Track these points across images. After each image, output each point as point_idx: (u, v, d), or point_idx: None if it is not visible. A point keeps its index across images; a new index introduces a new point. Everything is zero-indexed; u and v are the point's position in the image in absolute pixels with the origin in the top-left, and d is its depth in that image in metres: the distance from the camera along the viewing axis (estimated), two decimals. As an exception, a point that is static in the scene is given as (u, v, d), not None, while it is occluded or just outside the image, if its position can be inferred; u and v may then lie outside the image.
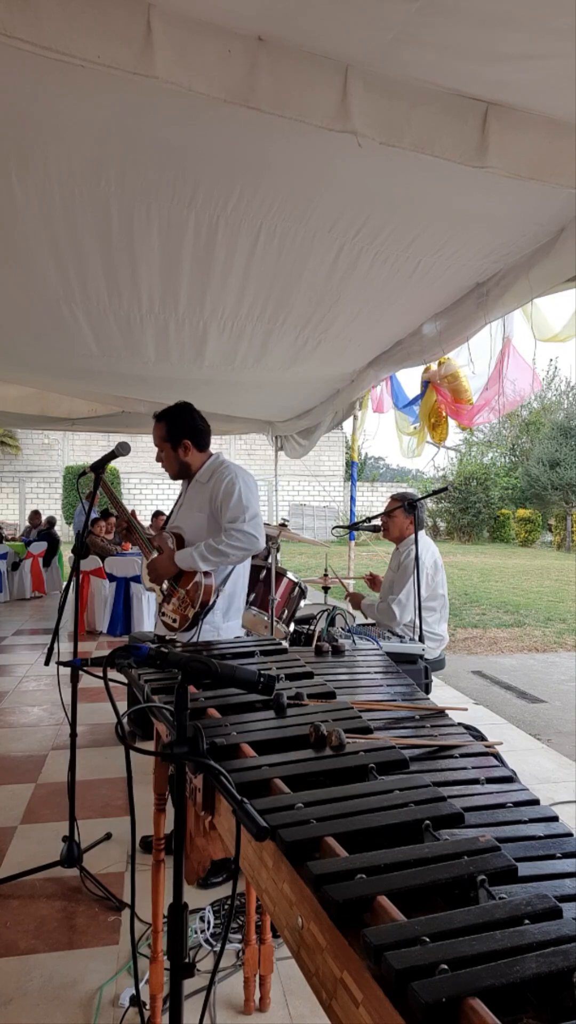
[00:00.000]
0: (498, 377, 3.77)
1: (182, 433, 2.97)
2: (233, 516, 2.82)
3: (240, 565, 3.00)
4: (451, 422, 4.74)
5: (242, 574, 3.07)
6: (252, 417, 8.01)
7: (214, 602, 2.89)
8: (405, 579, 3.70)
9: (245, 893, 2.36)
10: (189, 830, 1.49)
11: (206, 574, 2.86)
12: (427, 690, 2.97)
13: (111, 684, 1.25)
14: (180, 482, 3.14)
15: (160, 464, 3.06)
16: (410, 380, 5.25)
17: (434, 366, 4.61)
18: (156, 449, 3.06)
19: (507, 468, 29.47)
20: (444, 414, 4.71)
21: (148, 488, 22.59)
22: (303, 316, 3.76)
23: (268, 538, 4.43)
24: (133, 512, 3.23)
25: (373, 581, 4.21)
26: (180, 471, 3.03)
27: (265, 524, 4.86)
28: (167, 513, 3.91)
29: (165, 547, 2.94)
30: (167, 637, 2.57)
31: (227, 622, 2.99)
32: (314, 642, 2.28)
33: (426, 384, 4.86)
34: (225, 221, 2.70)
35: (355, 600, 4.12)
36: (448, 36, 1.60)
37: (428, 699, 1.87)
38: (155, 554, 2.96)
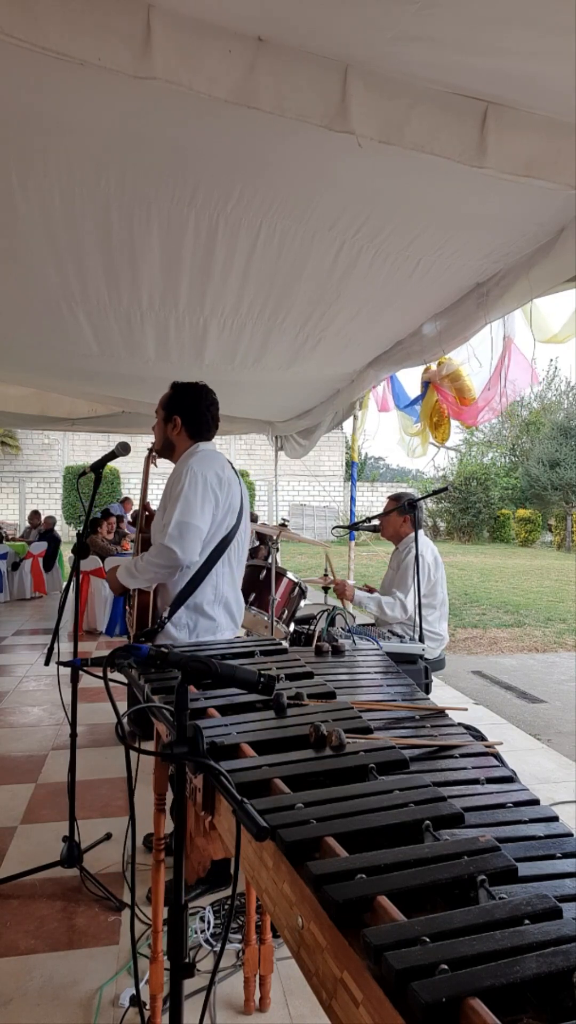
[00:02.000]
0: (499, 377, 3.77)
1: (177, 408, 2.73)
2: (164, 523, 2.53)
3: (213, 575, 2.62)
4: (453, 421, 4.74)
5: (216, 585, 2.64)
6: (252, 417, 8.02)
7: (163, 624, 2.58)
8: (409, 576, 3.70)
9: (245, 893, 2.36)
10: (189, 830, 1.49)
11: (143, 592, 2.62)
12: (427, 690, 2.97)
13: (111, 684, 1.25)
14: None
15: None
16: (410, 380, 5.25)
17: (434, 366, 4.61)
18: (159, 447, 2.87)
19: (507, 468, 29.48)
20: (446, 414, 4.71)
21: (148, 488, 22.60)
22: (303, 314, 3.76)
23: (268, 538, 4.43)
24: (147, 504, 3.19)
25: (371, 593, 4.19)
26: (164, 447, 2.80)
27: (264, 524, 4.85)
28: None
29: (139, 551, 2.74)
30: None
31: (196, 638, 2.61)
32: (314, 642, 2.28)
33: (426, 385, 4.86)
34: (225, 220, 2.70)
35: (342, 589, 3.94)
36: (448, 35, 1.60)
37: (428, 699, 1.87)
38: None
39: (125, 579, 2.62)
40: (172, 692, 1.26)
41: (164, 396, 2.80)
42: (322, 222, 2.69)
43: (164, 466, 3.23)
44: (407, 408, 5.30)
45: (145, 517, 3.04)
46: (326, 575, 4.15)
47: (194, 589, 2.60)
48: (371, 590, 4.16)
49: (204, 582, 2.61)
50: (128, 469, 22.13)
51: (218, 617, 2.67)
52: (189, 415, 2.73)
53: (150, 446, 3.02)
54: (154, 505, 3.20)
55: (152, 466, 3.17)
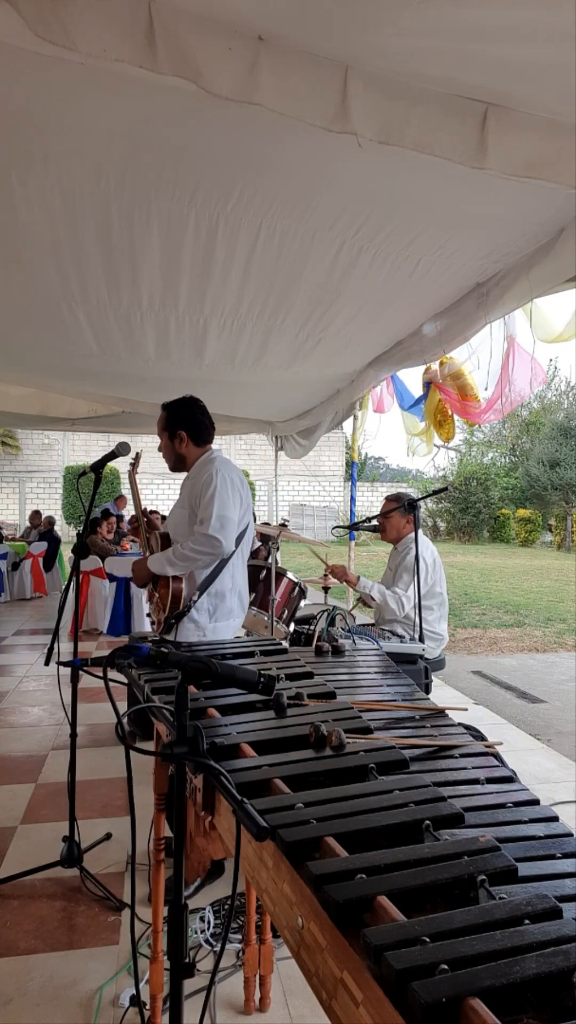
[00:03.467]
0: (504, 376, 3.78)
1: (179, 423, 2.96)
2: (202, 518, 2.76)
3: (230, 566, 2.90)
4: (457, 420, 4.75)
5: (233, 575, 2.93)
6: (252, 417, 8.02)
7: (189, 607, 2.81)
8: (409, 575, 3.69)
9: (245, 893, 2.36)
10: (189, 830, 1.49)
11: (176, 579, 2.80)
12: (427, 690, 2.97)
13: (111, 684, 1.25)
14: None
15: (161, 455, 3.07)
16: (413, 380, 5.25)
17: (434, 366, 4.61)
18: (156, 448, 3.07)
19: (507, 468, 29.47)
20: (450, 413, 4.71)
21: (148, 488, 22.60)
22: (303, 314, 3.76)
23: (268, 538, 4.43)
24: (145, 509, 3.24)
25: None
26: (176, 463, 3.02)
27: (265, 524, 4.86)
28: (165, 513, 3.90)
29: (154, 549, 2.95)
30: (149, 638, 2.60)
31: (215, 623, 2.88)
32: (314, 642, 2.28)
33: (427, 385, 4.86)
34: (225, 220, 2.70)
35: (343, 573, 3.95)
36: (448, 34, 1.60)
37: (428, 699, 1.86)
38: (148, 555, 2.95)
39: (160, 567, 2.80)
40: (172, 692, 1.26)
41: (160, 419, 3.02)
42: (322, 222, 2.70)
43: (156, 469, 3.25)
44: (411, 408, 5.29)
45: (146, 522, 3.14)
46: (326, 576, 4.15)
47: (216, 576, 2.87)
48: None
49: (224, 571, 2.88)
50: (128, 469, 22.13)
51: (233, 603, 2.95)
52: (190, 426, 2.97)
53: (132, 460, 3.13)
54: (151, 506, 3.25)
55: (135, 478, 3.28)
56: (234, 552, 2.88)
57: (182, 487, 3.02)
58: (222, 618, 2.90)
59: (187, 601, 2.84)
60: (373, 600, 3.84)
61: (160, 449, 3.06)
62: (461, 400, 4.42)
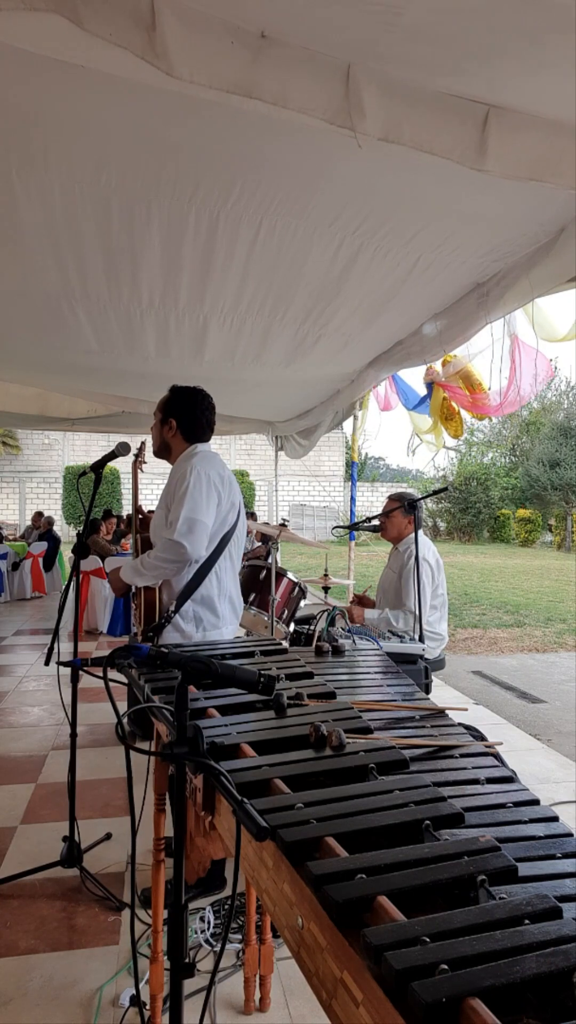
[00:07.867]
0: (514, 373, 3.79)
1: (173, 411, 2.82)
2: (171, 520, 2.60)
3: (216, 569, 2.71)
4: (464, 416, 4.76)
5: (219, 579, 2.73)
6: (252, 417, 8.02)
7: (168, 618, 2.65)
8: (412, 582, 3.65)
9: (245, 893, 2.36)
10: (189, 830, 1.49)
11: (149, 589, 2.67)
12: (427, 690, 2.97)
13: (111, 684, 1.25)
14: None
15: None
16: (416, 380, 5.25)
17: (436, 366, 4.62)
18: (156, 448, 2.98)
19: (507, 468, 29.49)
20: (456, 409, 4.72)
21: (148, 488, 22.61)
22: (303, 310, 3.76)
23: (268, 538, 4.43)
24: (140, 508, 3.22)
25: (361, 601, 4.11)
26: (160, 448, 2.90)
27: (264, 524, 4.85)
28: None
29: (139, 551, 2.83)
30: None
31: (203, 632, 2.69)
32: (314, 642, 2.28)
33: (429, 386, 4.87)
34: (226, 216, 2.70)
35: (355, 615, 3.87)
36: (449, 35, 1.60)
37: (428, 699, 1.86)
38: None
39: (131, 577, 2.66)
40: (172, 692, 1.26)
41: (162, 399, 2.88)
42: (322, 219, 2.70)
43: (156, 469, 3.23)
44: (417, 408, 5.29)
45: (140, 520, 3.06)
46: (326, 575, 4.14)
47: (200, 582, 2.68)
48: (361, 599, 4.10)
49: (209, 575, 2.70)
50: (128, 469, 22.14)
51: (223, 609, 2.76)
52: (185, 418, 2.82)
53: (136, 452, 3.05)
54: (150, 506, 3.22)
55: (140, 471, 3.21)
56: (220, 555, 2.71)
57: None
58: (211, 627, 2.72)
59: (165, 612, 2.68)
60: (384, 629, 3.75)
61: (151, 428, 2.94)
62: (471, 394, 4.42)
